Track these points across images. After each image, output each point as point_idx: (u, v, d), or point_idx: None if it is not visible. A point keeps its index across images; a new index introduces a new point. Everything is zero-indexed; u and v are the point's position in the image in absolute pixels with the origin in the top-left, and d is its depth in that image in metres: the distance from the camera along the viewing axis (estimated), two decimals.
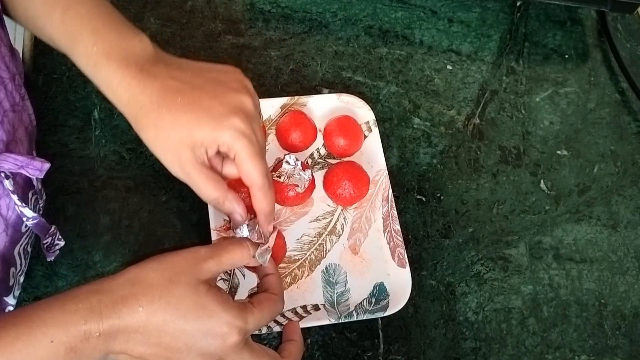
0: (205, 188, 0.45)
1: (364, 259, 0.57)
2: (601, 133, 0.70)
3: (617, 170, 0.68)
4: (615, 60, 0.75)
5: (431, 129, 0.66)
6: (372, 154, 0.61)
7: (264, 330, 0.51)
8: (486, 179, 0.65)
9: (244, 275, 0.53)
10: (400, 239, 0.56)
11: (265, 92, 0.64)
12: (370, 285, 0.55)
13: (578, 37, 0.76)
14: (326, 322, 0.52)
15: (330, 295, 0.54)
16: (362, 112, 0.62)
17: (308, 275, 0.55)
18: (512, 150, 0.67)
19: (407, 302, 0.53)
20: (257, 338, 0.52)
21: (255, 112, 0.47)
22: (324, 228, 0.57)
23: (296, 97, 0.61)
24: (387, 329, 0.55)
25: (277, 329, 0.51)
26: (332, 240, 0.57)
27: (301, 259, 0.56)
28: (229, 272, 0.53)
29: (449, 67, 0.71)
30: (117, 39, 0.45)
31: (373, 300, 0.55)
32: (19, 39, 0.54)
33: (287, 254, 0.55)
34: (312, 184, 0.57)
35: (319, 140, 0.61)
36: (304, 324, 0.52)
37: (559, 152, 0.68)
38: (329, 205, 0.59)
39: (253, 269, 0.52)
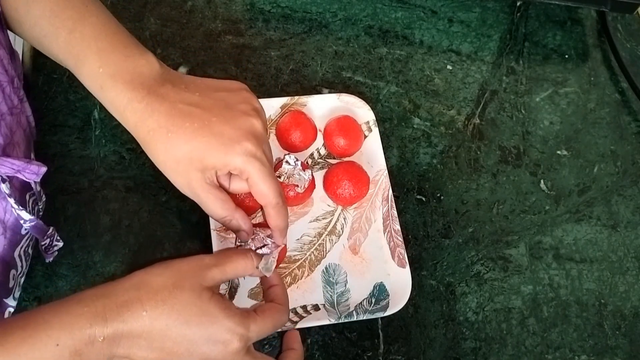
0: (214, 207, 0.46)
1: (364, 259, 0.57)
2: (601, 133, 0.70)
3: (617, 170, 0.68)
4: (615, 60, 0.75)
5: (431, 129, 0.66)
6: (372, 154, 0.61)
7: None
8: (486, 179, 0.65)
9: (243, 277, 0.53)
10: (400, 239, 0.56)
11: (265, 92, 0.64)
12: (370, 285, 0.55)
13: (578, 37, 0.76)
14: (326, 322, 0.52)
15: (330, 295, 0.54)
16: (362, 112, 0.62)
17: (308, 275, 0.55)
18: (512, 150, 0.67)
19: (407, 302, 0.54)
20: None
21: (264, 133, 0.48)
22: (324, 228, 0.57)
23: (296, 97, 0.61)
24: (387, 329, 0.55)
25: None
26: (332, 240, 0.57)
27: (301, 259, 0.56)
28: None
29: (449, 67, 0.71)
30: (123, 61, 0.45)
31: (373, 300, 0.55)
32: (19, 39, 0.54)
33: (287, 254, 0.55)
34: (312, 184, 0.57)
35: (319, 140, 0.61)
36: (304, 324, 0.52)
37: (559, 152, 0.68)
38: (329, 205, 0.59)
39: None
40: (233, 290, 0.53)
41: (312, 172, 0.57)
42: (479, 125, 0.68)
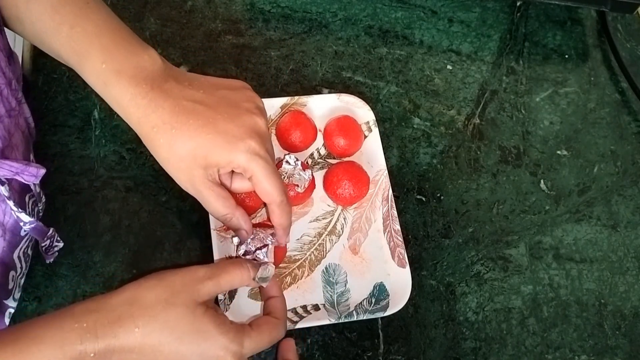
0: (215, 205, 0.47)
1: (364, 259, 0.57)
2: (601, 133, 0.70)
3: (617, 170, 0.68)
4: (615, 60, 0.75)
5: (431, 129, 0.66)
6: (372, 154, 0.61)
7: None
8: (486, 179, 0.65)
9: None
10: (400, 239, 0.56)
11: (265, 92, 0.64)
12: (370, 285, 0.55)
13: (578, 37, 0.76)
14: (326, 322, 0.52)
15: (330, 295, 0.54)
16: (362, 112, 0.62)
17: (308, 275, 0.55)
18: (512, 150, 0.67)
19: (407, 302, 0.54)
20: None
21: (267, 132, 0.48)
22: (324, 228, 0.57)
23: (296, 97, 0.61)
24: (387, 329, 0.55)
25: None
26: (332, 240, 0.57)
27: (301, 259, 0.56)
28: None
29: (449, 67, 0.71)
30: (126, 56, 0.45)
31: (373, 300, 0.55)
32: (19, 39, 0.54)
33: (287, 254, 0.55)
34: (312, 184, 0.57)
35: (319, 140, 0.61)
36: (304, 324, 0.52)
37: (559, 152, 0.68)
38: (329, 205, 0.59)
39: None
40: (233, 290, 0.53)
41: (312, 172, 0.57)
42: (479, 125, 0.68)
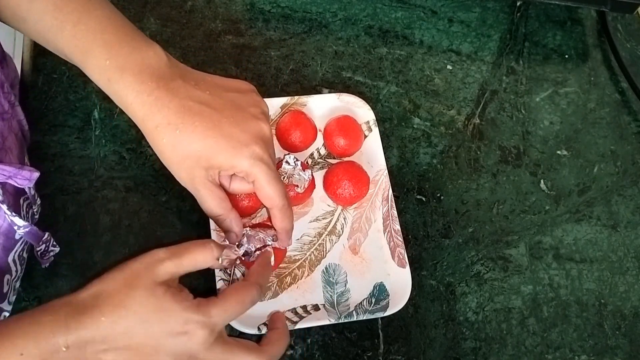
0: (211, 204, 0.47)
1: (364, 259, 0.57)
2: (601, 133, 0.70)
3: (617, 170, 0.68)
4: (615, 60, 0.75)
5: (431, 129, 0.66)
6: (372, 154, 0.61)
7: (264, 331, 0.50)
8: (486, 179, 0.65)
9: (243, 275, 0.53)
10: (400, 239, 0.56)
11: (265, 92, 0.64)
12: (370, 285, 0.55)
13: (578, 37, 0.76)
14: (326, 322, 0.52)
15: (330, 295, 0.54)
16: (362, 112, 0.62)
17: (308, 275, 0.55)
18: (512, 150, 0.67)
19: (407, 302, 0.54)
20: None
21: (271, 137, 0.48)
22: (324, 228, 0.57)
23: (296, 97, 0.61)
24: (387, 329, 0.55)
25: None
26: (332, 240, 0.57)
27: (301, 259, 0.56)
28: (229, 271, 0.53)
29: (449, 67, 0.71)
30: (131, 53, 0.44)
31: (373, 300, 0.55)
32: (19, 39, 0.54)
33: (287, 254, 0.55)
34: (312, 184, 0.57)
35: (319, 140, 0.61)
36: (304, 324, 0.52)
37: (559, 152, 0.68)
38: (329, 205, 0.59)
39: (245, 264, 0.52)
40: None
41: (312, 172, 0.57)
42: (479, 125, 0.68)
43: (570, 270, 0.62)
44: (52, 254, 0.51)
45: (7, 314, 0.49)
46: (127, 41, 0.45)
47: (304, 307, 0.53)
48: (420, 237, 0.60)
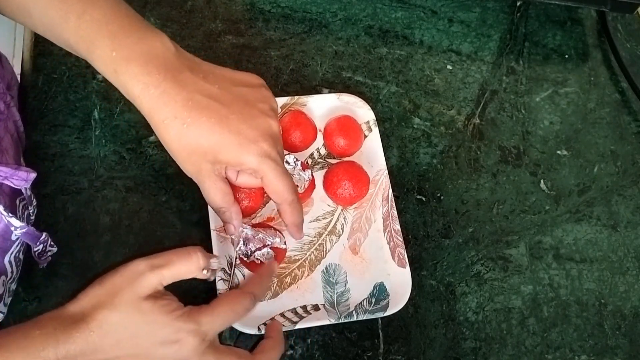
0: (214, 197, 0.47)
1: (364, 259, 0.57)
2: (601, 133, 0.70)
3: (617, 170, 0.68)
4: (615, 60, 0.75)
5: (431, 129, 0.66)
6: (372, 154, 0.61)
7: (264, 331, 0.50)
8: (486, 179, 0.65)
9: (244, 276, 0.53)
10: (400, 239, 0.56)
11: None
12: (370, 285, 0.55)
13: (578, 37, 0.76)
14: (326, 322, 0.52)
15: (330, 295, 0.54)
16: (362, 112, 0.62)
17: (308, 275, 0.55)
18: (512, 150, 0.67)
19: (407, 302, 0.53)
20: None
21: (279, 134, 0.48)
22: (324, 228, 0.57)
23: (296, 97, 0.61)
24: (387, 329, 0.55)
25: None
26: (332, 240, 0.57)
27: (301, 259, 0.56)
28: (229, 272, 0.53)
29: (449, 67, 0.71)
30: (137, 43, 0.44)
31: (373, 300, 0.55)
32: (19, 39, 0.54)
33: (287, 254, 0.55)
34: (312, 184, 0.57)
35: (319, 140, 0.61)
36: (304, 324, 0.52)
37: (559, 152, 0.68)
38: (329, 205, 0.59)
39: (245, 265, 0.53)
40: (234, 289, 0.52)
41: (312, 172, 0.57)
42: (479, 125, 0.68)
43: (570, 270, 0.62)
44: (49, 254, 0.50)
45: (1, 316, 0.48)
46: (133, 31, 0.44)
47: (304, 307, 0.53)
48: (420, 237, 0.60)
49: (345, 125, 0.60)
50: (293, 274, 0.55)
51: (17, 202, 0.48)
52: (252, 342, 0.51)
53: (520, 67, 0.73)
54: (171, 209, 0.57)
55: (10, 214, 0.43)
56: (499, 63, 0.72)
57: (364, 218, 0.59)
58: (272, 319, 0.52)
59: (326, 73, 0.67)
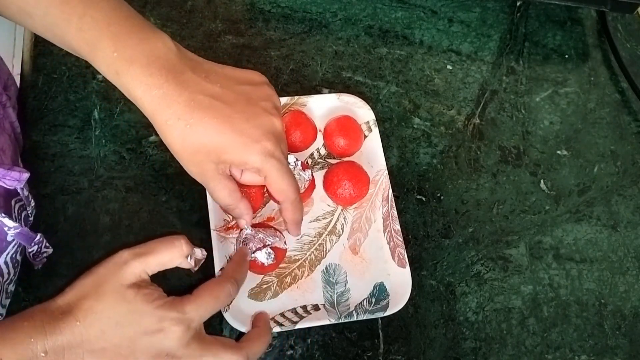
0: (221, 195, 0.47)
1: (364, 259, 0.57)
2: (601, 133, 0.70)
3: (617, 170, 0.68)
4: (615, 60, 0.75)
5: (431, 129, 0.66)
6: (372, 154, 0.61)
7: None
8: (486, 179, 0.65)
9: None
10: (400, 239, 0.56)
11: None
12: (370, 285, 0.55)
13: (578, 37, 0.76)
14: (326, 322, 0.52)
15: (330, 295, 0.54)
16: (362, 112, 0.62)
17: (308, 275, 0.55)
18: (512, 150, 0.67)
19: (407, 302, 0.54)
20: None
21: (283, 132, 0.48)
22: (324, 228, 0.57)
23: (296, 97, 0.61)
24: (387, 329, 0.55)
25: (277, 329, 0.51)
26: (332, 240, 0.57)
27: (301, 259, 0.56)
28: None
29: (449, 67, 0.71)
30: (138, 44, 0.44)
31: (373, 300, 0.55)
32: (19, 39, 0.54)
33: (287, 253, 0.55)
34: (312, 184, 0.57)
35: (319, 140, 0.61)
36: (304, 324, 0.52)
37: (559, 152, 0.68)
38: (329, 205, 0.59)
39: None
40: None
41: (312, 172, 0.57)
42: (479, 125, 0.68)
43: (570, 270, 0.62)
44: (45, 255, 0.50)
45: (0, 318, 0.48)
46: (135, 32, 0.44)
47: (304, 307, 0.53)
48: (420, 237, 0.60)
49: (345, 125, 0.60)
50: (293, 274, 0.55)
51: (13, 203, 0.48)
52: None
53: (520, 67, 0.73)
54: (171, 209, 0.57)
55: (3, 215, 0.43)
56: (499, 63, 0.72)
57: (364, 218, 0.59)
58: (273, 319, 0.52)
59: (326, 73, 0.67)
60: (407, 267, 0.55)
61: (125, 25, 0.44)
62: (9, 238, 0.46)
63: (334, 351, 0.54)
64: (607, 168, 0.68)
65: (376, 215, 0.59)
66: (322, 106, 0.62)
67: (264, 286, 0.54)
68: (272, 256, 0.52)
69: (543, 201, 0.65)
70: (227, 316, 0.50)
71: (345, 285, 0.55)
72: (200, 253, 0.47)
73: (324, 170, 0.60)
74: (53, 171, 0.56)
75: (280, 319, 0.52)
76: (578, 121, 0.71)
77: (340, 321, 0.53)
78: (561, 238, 0.63)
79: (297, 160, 0.55)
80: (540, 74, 0.73)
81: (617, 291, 0.62)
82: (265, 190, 0.56)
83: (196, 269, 0.47)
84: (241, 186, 0.51)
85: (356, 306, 0.54)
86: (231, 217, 0.55)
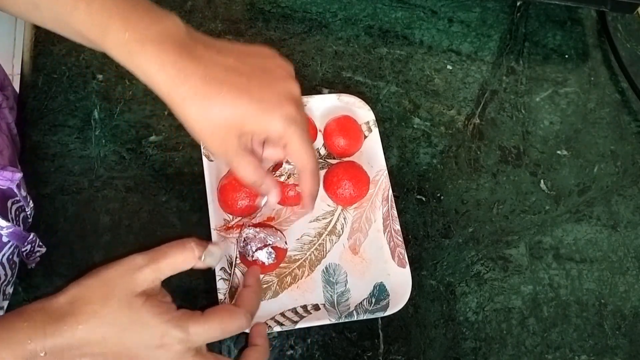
0: (246, 172, 0.46)
1: (364, 259, 0.57)
2: (601, 133, 0.70)
3: (617, 170, 0.68)
4: (615, 60, 0.75)
5: (431, 129, 0.66)
6: (372, 154, 0.61)
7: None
8: (486, 179, 0.65)
9: (243, 274, 0.53)
10: (400, 239, 0.56)
11: None
12: (370, 285, 0.55)
13: (578, 37, 0.76)
14: (326, 322, 0.52)
15: (330, 295, 0.54)
16: (362, 112, 0.62)
17: (308, 275, 0.55)
18: (512, 150, 0.67)
19: (407, 302, 0.54)
20: None
21: (301, 98, 0.47)
22: (324, 228, 0.57)
23: None
24: (387, 329, 0.55)
25: (277, 328, 0.51)
26: (332, 240, 0.57)
27: (301, 258, 0.56)
28: (229, 272, 0.53)
29: (449, 67, 0.71)
30: (149, 24, 0.43)
31: (373, 300, 0.55)
32: (19, 39, 0.54)
33: (287, 253, 0.55)
34: None
35: (319, 140, 0.61)
36: (304, 324, 0.52)
37: (559, 152, 0.68)
38: (329, 205, 0.59)
39: (246, 264, 0.52)
40: (233, 290, 0.53)
41: None
42: (479, 125, 0.68)
43: (570, 270, 0.62)
44: (38, 254, 0.50)
45: None
46: (145, 13, 0.43)
47: (304, 307, 0.53)
48: (420, 237, 0.60)
49: (345, 125, 0.60)
50: (293, 274, 0.55)
51: (9, 204, 0.47)
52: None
53: (520, 67, 0.73)
54: (171, 209, 0.57)
55: None
56: (499, 63, 0.72)
57: (364, 218, 0.59)
58: (273, 318, 0.52)
59: (326, 73, 0.67)
60: (407, 267, 0.55)
61: (135, 8, 0.44)
62: (5, 239, 0.45)
63: (334, 351, 0.54)
64: (607, 168, 0.68)
65: (376, 215, 0.59)
66: (322, 106, 0.62)
67: (264, 286, 0.54)
68: (273, 256, 0.52)
69: (543, 201, 0.65)
70: None
71: (346, 285, 0.55)
72: (216, 248, 0.45)
73: (324, 170, 0.60)
74: (53, 171, 0.56)
75: (281, 319, 0.52)
76: (578, 121, 0.71)
77: (340, 321, 0.53)
78: (561, 238, 0.63)
79: None
80: (540, 74, 0.73)
81: (617, 291, 0.62)
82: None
83: (215, 264, 0.46)
84: (242, 184, 0.51)
85: (356, 306, 0.54)
86: (232, 217, 0.55)
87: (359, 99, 0.62)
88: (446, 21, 0.74)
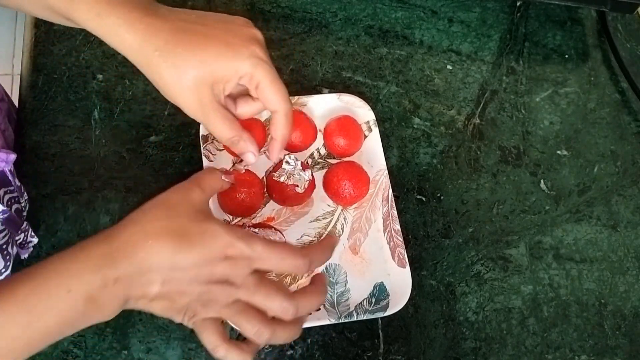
0: (222, 127, 0.46)
1: (364, 259, 0.57)
2: (601, 133, 0.70)
3: (617, 170, 0.68)
4: (615, 60, 0.75)
5: (431, 129, 0.66)
6: (372, 154, 0.61)
7: None
8: (486, 179, 0.65)
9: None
10: (400, 239, 0.56)
11: None
12: (370, 285, 0.55)
13: (578, 37, 0.76)
14: (326, 322, 0.52)
15: (331, 295, 0.54)
16: (362, 112, 0.62)
17: (308, 275, 0.55)
18: (512, 150, 0.67)
19: (407, 302, 0.54)
20: None
21: (264, 42, 0.47)
22: (324, 228, 0.57)
23: (296, 97, 0.61)
24: (387, 329, 0.55)
25: None
26: None
27: None
28: None
29: (449, 67, 0.71)
30: None
31: (373, 300, 0.55)
32: (19, 39, 0.54)
33: None
34: (312, 184, 0.57)
35: (319, 140, 0.61)
36: (304, 324, 0.52)
37: (559, 152, 0.68)
38: (329, 205, 0.59)
39: None
40: None
41: (312, 172, 0.57)
42: (479, 125, 0.68)
43: (570, 270, 0.62)
44: (30, 244, 0.50)
45: None
46: None
47: None
48: (420, 237, 0.60)
49: (345, 125, 0.60)
50: (293, 274, 0.55)
51: (2, 193, 0.47)
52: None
53: (520, 67, 0.73)
54: None
55: None
56: (499, 63, 0.72)
57: (364, 218, 0.59)
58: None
59: (326, 73, 0.67)
60: (407, 267, 0.55)
61: None
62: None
63: (334, 351, 0.54)
64: (607, 168, 0.68)
65: (376, 215, 0.59)
66: (322, 106, 0.62)
67: None
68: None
69: (543, 201, 0.65)
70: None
71: (346, 285, 0.55)
72: (241, 167, 0.50)
73: (324, 170, 0.60)
74: (53, 171, 0.56)
75: None
76: (578, 121, 0.71)
77: (340, 321, 0.53)
78: (561, 238, 0.63)
79: (297, 160, 0.55)
80: (540, 74, 0.73)
81: (617, 291, 0.62)
82: (265, 190, 0.56)
83: (243, 170, 0.50)
84: (241, 184, 0.51)
85: (356, 306, 0.54)
86: (232, 216, 0.55)
87: (359, 99, 0.62)
88: (446, 21, 0.74)
